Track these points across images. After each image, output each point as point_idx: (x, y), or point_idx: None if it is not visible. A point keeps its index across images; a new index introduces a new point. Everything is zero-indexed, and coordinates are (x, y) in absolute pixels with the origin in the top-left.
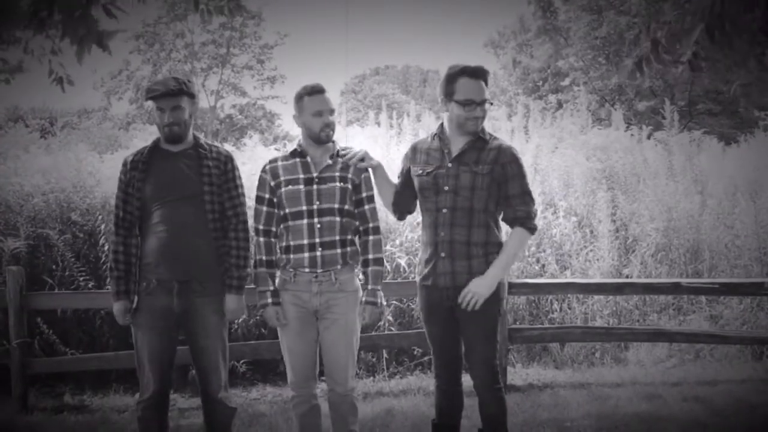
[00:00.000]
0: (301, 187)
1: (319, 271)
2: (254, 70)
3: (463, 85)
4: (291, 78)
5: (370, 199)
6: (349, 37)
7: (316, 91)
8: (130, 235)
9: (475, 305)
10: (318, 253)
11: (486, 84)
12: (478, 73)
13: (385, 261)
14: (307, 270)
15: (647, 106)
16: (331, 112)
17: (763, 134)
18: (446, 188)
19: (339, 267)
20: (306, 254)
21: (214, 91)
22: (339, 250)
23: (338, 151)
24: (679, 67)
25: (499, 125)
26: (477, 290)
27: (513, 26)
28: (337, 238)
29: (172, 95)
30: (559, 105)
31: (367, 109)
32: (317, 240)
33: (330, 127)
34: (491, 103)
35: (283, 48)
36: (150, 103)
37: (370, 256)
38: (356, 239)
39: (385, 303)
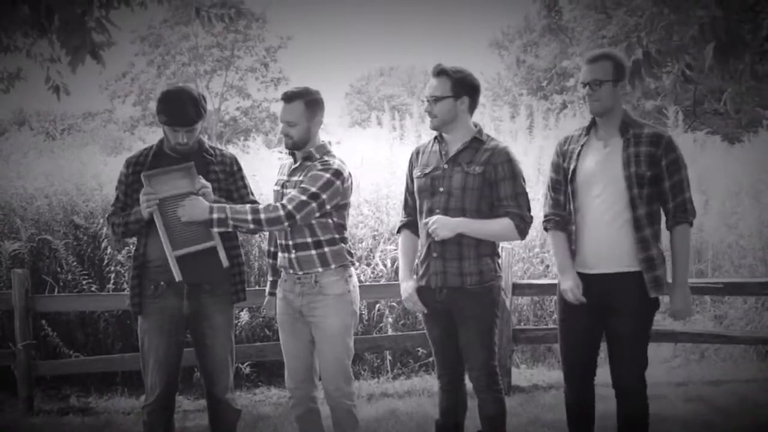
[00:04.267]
0: (279, 188)
1: (299, 273)
2: (258, 72)
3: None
4: (295, 80)
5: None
6: (352, 38)
7: (281, 98)
8: (138, 236)
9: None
10: (292, 255)
11: (449, 79)
12: (434, 72)
13: (381, 259)
14: (290, 271)
15: (653, 105)
16: (288, 123)
17: (767, 134)
18: (441, 189)
19: (320, 270)
20: (285, 254)
21: (218, 93)
22: (314, 252)
23: (312, 154)
24: (669, 77)
25: (502, 126)
26: (439, 225)
27: (518, 26)
28: (309, 240)
29: (192, 124)
30: (564, 106)
31: (372, 110)
32: (290, 242)
33: (288, 135)
34: (438, 99)
35: (287, 50)
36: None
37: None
38: (341, 240)
39: (233, 222)
